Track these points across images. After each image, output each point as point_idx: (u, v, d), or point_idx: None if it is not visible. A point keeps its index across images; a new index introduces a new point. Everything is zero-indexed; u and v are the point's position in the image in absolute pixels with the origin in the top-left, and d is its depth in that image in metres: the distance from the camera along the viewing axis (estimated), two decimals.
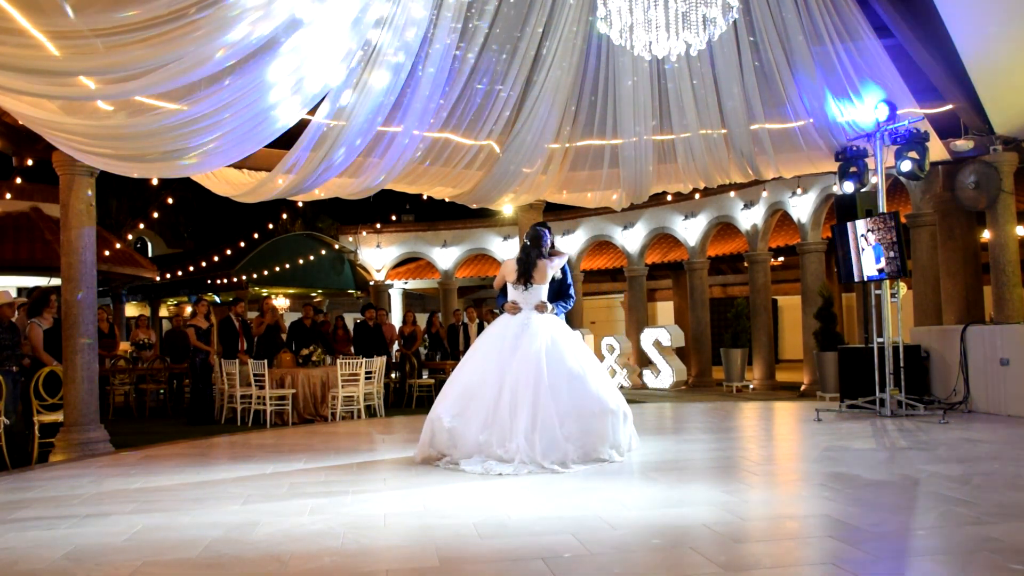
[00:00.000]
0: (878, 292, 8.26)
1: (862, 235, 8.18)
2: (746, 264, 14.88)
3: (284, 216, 19.56)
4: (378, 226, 19.47)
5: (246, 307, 11.31)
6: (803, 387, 13.14)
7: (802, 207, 13.23)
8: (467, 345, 12.48)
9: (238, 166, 8.21)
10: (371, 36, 7.02)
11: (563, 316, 6.20)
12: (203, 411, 10.01)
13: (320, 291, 20.48)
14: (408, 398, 11.90)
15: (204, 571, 3.25)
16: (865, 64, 8.14)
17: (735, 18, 6.35)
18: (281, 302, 19.02)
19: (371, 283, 19.76)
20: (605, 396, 5.60)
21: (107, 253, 13.24)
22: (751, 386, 14.01)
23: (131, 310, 19.39)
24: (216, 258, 17.42)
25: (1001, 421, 7.37)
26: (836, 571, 3.00)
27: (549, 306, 5.99)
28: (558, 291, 6.18)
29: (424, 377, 12.69)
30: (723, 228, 15.95)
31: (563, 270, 6.24)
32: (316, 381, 9.79)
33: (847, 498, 4.25)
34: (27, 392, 7.22)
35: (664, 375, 14.97)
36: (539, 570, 3.12)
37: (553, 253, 6.18)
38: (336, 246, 19.50)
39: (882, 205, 8.35)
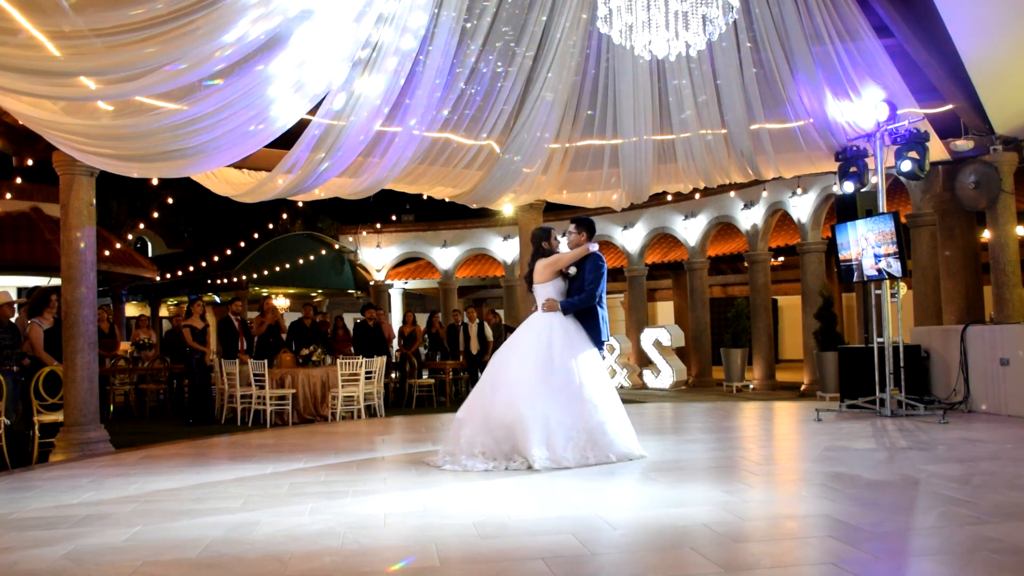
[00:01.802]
0: (878, 292, 8.26)
1: (862, 235, 8.18)
2: (746, 264, 14.88)
3: (284, 216, 19.55)
4: (378, 226, 19.47)
5: (243, 306, 11.32)
6: (803, 387, 13.14)
7: (802, 207, 13.23)
8: (467, 345, 12.53)
9: (238, 166, 8.21)
10: (372, 36, 7.02)
11: (600, 313, 5.91)
12: (203, 411, 10.00)
13: (320, 291, 20.48)
14: (408, 398, 11.89)
15: (204, 571, 3.25)
16: (865, 64, 8.13)
17: (735, 18, 6.34)
18: (281, 302, 19.01)
19: (371, 283, 19.76)
20: (520, 401, 5.44)
21: (107, 253, 13.23)
22: (751, 386, 14.01)
23: (131, 310, 19.38)
24: (216, 258, 17.41)
25: (1001, 421, 7.37)
26: (836, 571, 3.00)
27: (556, 304, 5.88)
28: (580, 288, 5.95)
29: (424, 377, 12.69)
30: (723, 228, 15.95)
31: (580, 265, 5.96)
32: (316, 381, 9.79)
33: (847, 498, 4.24)
34: (27, 392, 7.22)
35: (664, 375, 14.97)
36: (539, 570, 3.12)
37: (571, 249, 6.11)
38: (336, 246, 19.50)
39: (882, 205, 8.35)
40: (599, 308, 5.96)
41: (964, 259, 9.67)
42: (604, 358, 6.14)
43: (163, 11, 5.13)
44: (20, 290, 14.52)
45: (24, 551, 3.62)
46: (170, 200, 17.38)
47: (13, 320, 7.57)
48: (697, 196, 14.87)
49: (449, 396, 12.00)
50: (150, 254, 24.58)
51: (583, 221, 6.14)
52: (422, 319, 13.98)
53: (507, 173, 9.35)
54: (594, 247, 6.04)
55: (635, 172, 9.57)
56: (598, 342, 5.92)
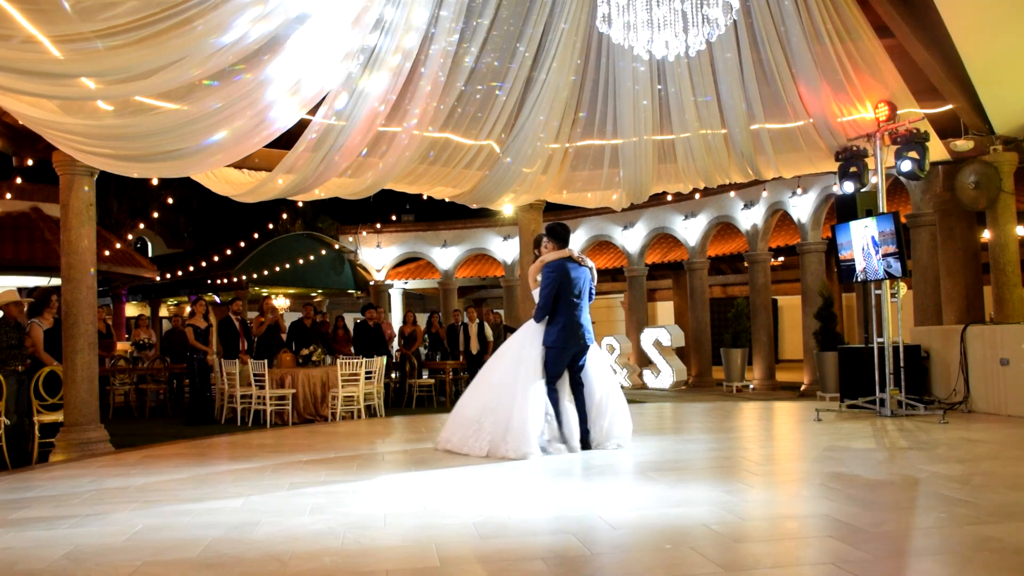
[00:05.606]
0: (878, 292, 8.25)
1: (862, 235, 8.16)
2: (746, 264, 14.88)
3: (284, 216, 19.56)
4: (378, 226, 19.48)
5: (243, 306, 11.32)
6: (803, 387, 13.14)
7: (802, 207, 13.23)
8: (467, 345, 12.52)
9: (238, 166, 8.21)
10: (371, 36, 7.02)
11: (559, 320, 5.99)
12: (203, 411, 10.01)
13: (320, 291, 20.48)
14: (408, 398, 11.89)
15: (204, 571, 3.25)
16: (865, 64, 8.13)
17: (735, 18, 6.35)
18: (281, 302, 19.01)
19: (371, 283, 19.76)
20: (464, 400, 6.35)
21: (107, 253, 13.23)
22: (751, 386, 14.01)
23: (131, 310, 19.38)
24: (216, 258, 17.41)
25: (1001, 421, 7.37)
26: (836, 571, 3.00)
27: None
28: None
29: (424, 377, 12.70)
30: (723, 228, 15.96)
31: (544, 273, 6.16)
32: (316, 381, 9.79)
33: (847, 498, 4.24)
34: (29, 392, 7.22)
35: (664, 375, 14.97)
36: (539, 570, 3.12)
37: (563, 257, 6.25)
38: (336, 246, 19.50)
39: (882, 205, 8.34)
40: (560, 315, 6.01)
41: (964, 259, 9.67)
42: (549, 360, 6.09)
43: (156, 9, 5.13)
44: (20, 290, 14.50)
45: (24, 551, 3.62)
46: (170, 200, 17.41)
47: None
48: (697, 196, 14.87)
49: (449, 396, 11.98)
50: (150, 254, 24.58)
51: (548, 229, 6.28)
52: (422, 319, 13.97)
53: (507, 173, 9.35)
54: (568, 254, 6.14)
55: (635, 172, 9.57)
56: (547, 346, 6.03)
